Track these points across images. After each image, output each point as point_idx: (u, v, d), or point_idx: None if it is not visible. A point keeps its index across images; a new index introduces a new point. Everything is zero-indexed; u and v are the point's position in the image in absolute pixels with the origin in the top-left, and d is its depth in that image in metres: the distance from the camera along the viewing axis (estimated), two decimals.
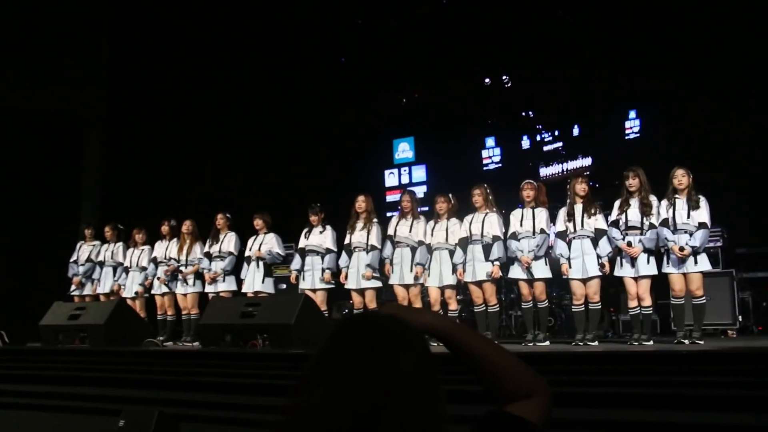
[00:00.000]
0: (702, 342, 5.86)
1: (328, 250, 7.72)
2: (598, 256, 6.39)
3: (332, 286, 7.78)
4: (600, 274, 6.40)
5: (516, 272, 6.81)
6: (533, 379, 1.33)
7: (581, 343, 6.33)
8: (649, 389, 3.74)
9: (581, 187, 6.59)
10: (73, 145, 11.45)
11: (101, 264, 9.20)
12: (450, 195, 7.35)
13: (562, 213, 6.68)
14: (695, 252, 5.96)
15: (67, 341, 7.48)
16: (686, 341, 5.88)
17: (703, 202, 6.08)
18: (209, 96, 12.04)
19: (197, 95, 11.96)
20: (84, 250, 9.38)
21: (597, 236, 6.42)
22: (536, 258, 6.67)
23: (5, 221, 10.40)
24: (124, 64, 11.62)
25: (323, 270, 7.65)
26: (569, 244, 6.54)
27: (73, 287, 9.24)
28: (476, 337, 1.35)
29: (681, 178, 6.12)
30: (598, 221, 6.46)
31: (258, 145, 12.17)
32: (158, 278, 8.63)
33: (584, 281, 6.45)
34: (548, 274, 6.73)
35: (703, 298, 6.03)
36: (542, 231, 6.70)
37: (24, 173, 10.65)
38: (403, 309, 1.38)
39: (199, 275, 8.47)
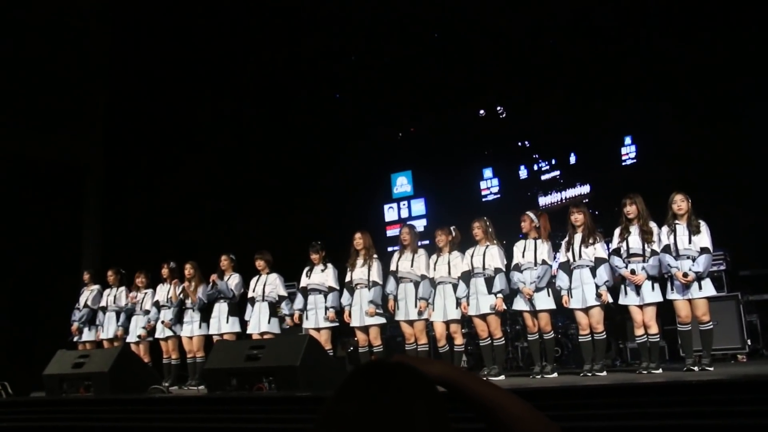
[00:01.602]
0: (712, 368, 5.82)
1: (331, 289, 7.70)
2: (596, 286, 6.38)
3: (336, 324, 7.74)
4: (599, 303, 6.37)
5: (520, 304, 6.79)
6: (544, 424, 1.32)
7: (589, 374, 6.29)
8: (660, 421, 3.71)
9: (575, 218, 6.60)
10: (73, 192, 11.48)
11: (104, 309, 9.17)
12: (452, 228, 7.36)
13: (564, 244, 6.69)
14: (699, 277, 5.94)
15: (72, 390, 7.40)
16: (696, 368, 5.84)
17: (703, 226, 6.08)
18: (207, 137, 12.12)
19: (195, 136, 12.04)
20: (84, 296, 9.35)
21: (596, 265, 6.41)
22: (538, 289, 6.65)
23: (7, 269, 10.38)
24: (122, 110, 11.69)
25: (326, 309, 7.62)
26: (570, 274, 6.53)
27: (73, 334, 9.19)
28: (487, 385, 1.35)
29: (680, 203, 6.13)
30: (597, 250, 6.46)
31: (256, 184, 12.20)
32: (162, 322, 8.59)
33: (586, 311, 6.43)
34: (552, 305, 6.70)
35: (710, 323, 6.00)
36: (543, 262, 6.69)
37: (25, 220, 10.66)
38: (412, 359, 1.38)
39: (205, 318, 8.43)
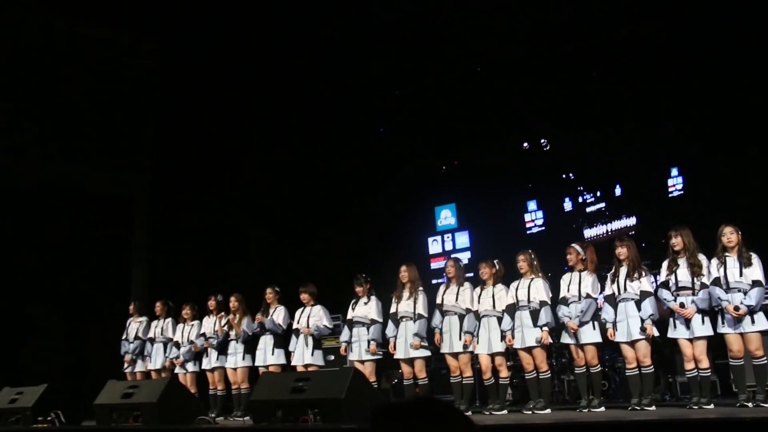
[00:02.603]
0: (767, 405, 5.66)
1: (373, 321, 7.72)
2: (641, 319, 6.28)
3: (379, 357, 7.75)
4: (644, 336, 6.27)
5: (566, 337, 6.72)
6: None
7: (638, 408, 6.17)
8: None
9: (619, 251, 6.53)
10: (122, 224, 11.77)
11: (152, 340, 9.32)
12: (495, 261, 7.36)
13: (609, 276, 6.62)
14: (751, 311, 5.82)
15: (121, 420, 7.50)
16: (750, 404, 5.69)
17: (755, 259, 5.97)
18: (252, 171, 12.34)
19: (240, 168, 12.27)
20: (132, 327, 9.52)
21: (641, 299, 6.32)
22: (582, 323, 6.58)
23: (59, 301, 10.65)
24: (170, 143, 11.99)
25: (369, 342, 7.65)
26: (615, 306, 6.45)
27: (126, 365, 9.36)
28: None
29: (730, 235, 6.03)
30: (642, 284, 6.37)
31: (302, 216, 12.35)
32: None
33: (631, 344, 6.33)
34: (598, 339, 6.61)
35: (764, 358, 5.85)
36: (588, 296, 6.62)
37: (76, 252, 10.94)
38: None
39: (249, 349, 8.52)
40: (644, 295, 6.31)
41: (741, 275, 5.94)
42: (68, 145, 11.29)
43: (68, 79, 11.28)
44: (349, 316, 7.89)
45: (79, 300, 10.68)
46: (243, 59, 11.69)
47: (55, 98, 11.16)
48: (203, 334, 8.87)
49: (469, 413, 7.07)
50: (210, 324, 8.87)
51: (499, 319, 7.02)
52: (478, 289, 7.30)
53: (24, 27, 10.88)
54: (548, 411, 6.72)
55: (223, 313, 8.77)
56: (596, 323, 6.63)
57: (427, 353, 7.44)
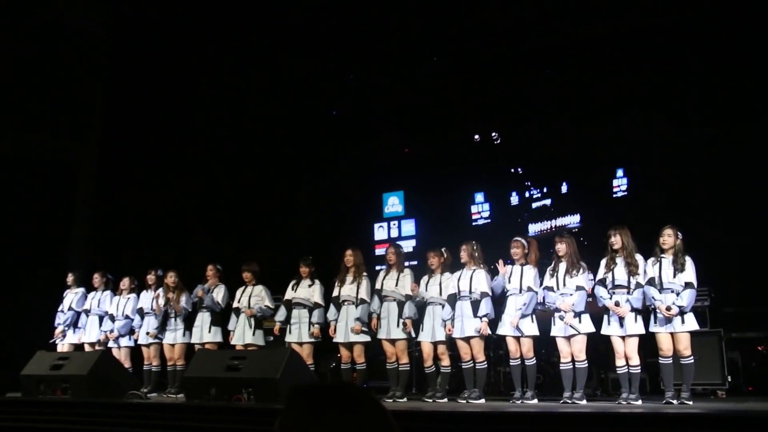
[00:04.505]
0: (691, 402, 5.83)
1: (317, 305, 7.69)
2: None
3: (319, 340, 7.73)
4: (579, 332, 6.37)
5: (504, 329, 6.79)
6: None
7: (569, 401, 6.29)
8: None
9: (558, 247, 6.64)
10: (63, 193, 11.44)
11: (87, 312, 9.10)
12: (443, 249, 7.39)
13: (549, 271, 6.71)
14: (682, 311, 5.98)
15: (49, 392, 7.34)
16: (675, 401, 5.85)
17: (689, 263, 6.12)
18: (202, 145, 12.14)
19: (190, 143, 12.05)
20: (68, 298, 9.28)
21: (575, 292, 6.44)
22: (523, 316, 6.67)
23: None
24: (118, 110, 11.71)
25: (311, 324, 7.61)
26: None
27: (56, 337, 9.11)
28: None
29: (667, 237, 6.18)
30: (578, 279, 6.48)
31: (248, 195, 12.21)
32: (147, 333, 8.53)
33: (568, 339, 6.45)
34: (536, 332, 6.71)
35: (691, 357, 6.03)
36: (530, 289, 6.71)
37: (12, 219, 10.61)
38: None
39: (188, 326, 8.40)
40: (577, 289, 6.42)
41: (675, 277, 6.09)
42: (11, 109, 10.91)
43: (15, 44, 10.88)
44: (288, 296, 7.84)
45: (12, 268, 10.35)
46: (196, 29, 11.45)
47: (2, 63, 10.77)
48: (140, 309, 8.70)
49: (405, 399, 7.11)
50: (147, 299, 8.70)
51: (444, 308, 7.05)
52: (425, 277, 7.33)
53: None
54: (482, 401, 6.80)
55: (161, 290, 8.59)
56: (534, 316, 6.72)
57: (367, 338, 7.43)
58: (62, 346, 9.04)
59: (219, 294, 8.31)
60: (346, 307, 7.45)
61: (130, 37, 11.59)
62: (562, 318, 6.42)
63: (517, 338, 6.71)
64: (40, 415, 6.38)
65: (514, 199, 11.87)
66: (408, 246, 12.06)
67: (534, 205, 11.62)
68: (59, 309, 9.28)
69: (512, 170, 11.91)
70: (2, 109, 10.84)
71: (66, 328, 9.10)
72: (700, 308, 7.48)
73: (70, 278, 9.44)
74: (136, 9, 11.29)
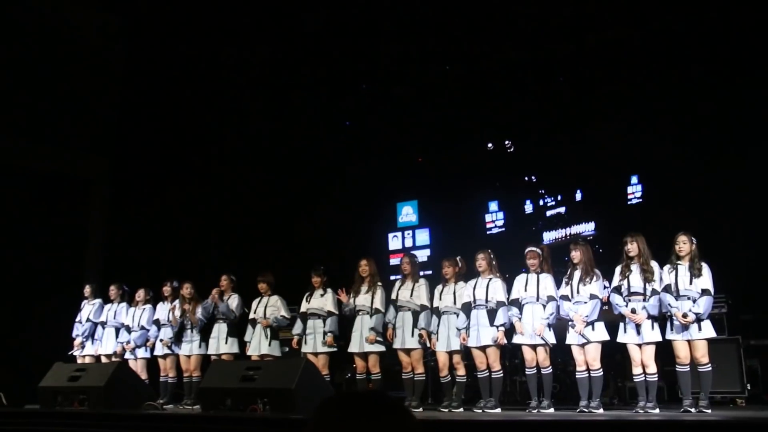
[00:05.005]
0: (709, 411, 5.78)
1: (330, 313, 7.70)
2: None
3: (334, 349, 7.73)
4: (595, 340, 6.33)
5: (519, 338, 6.76)
6: None
7: (586, 410, 6.24)
8: None
9: (573, 255, 6.61)
10: (78, 206, 11.55)
11: (103, 324, 9.16)
12: (458, 258, 7.37)
13: (564, 279, 6.68)
14: (699, 319, 5.92)
15: (66, 403, 7.39)
16: (693, 410, 5.79)
17: (705, 269, 6.07)
18: (215, 159, 12.21)
19: (203, 156, 12.13)
20: (86, 310, 9.34)
21: (589, 301, 6.40)
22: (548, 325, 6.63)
23: (8, 280, 10.40)
24: (132, 127, 11.81)
25: (325, 333, 7.62)
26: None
27: (74, 348, 9.17)
28: None
29: (682, 244, 6.13)
30: (592, 287, 6.44)
31: (262, 207, 12.25)
32: (161, 340, 8.57)
33: (582, 347, 6.41)
34: (552, 340, 6.67)
35: (709, 365, 5.97)
36: (552, 298, 6.66)
37: (29, 232, 10.71)
38: None
39: (204, 338, 8.43)
40: (591, 298, 6.39)
41: (691, 284, 6.04)
42: (27, 123, 11.04)
43: (31, 58, 11.02)
44: (303, 309, 7.85)
45: (29, 281, 10.45)
46: (210, 44, 11.54)
47: (10, 73, 10.90)
48: (156, 321, 8.74)
49: (420, 410, 7.09)
50: (164, 311, 8.73)
51: (459, 317, 7.02)
52: (439, 286, 7.31)
53: None
54: (498, 410, 6.76)
55: (177, 302, 8.62)
56: (551, 325, 6.68)
57: (382, 348, 7.42)
58: (81, 358, 9.10)
59: (233, 302, 8.34)
60: (361, 317, 7.45)
61: (145, 52, 11.70)
62: (573, 327, 6.39)
63: (534, 347, 6.67)
64: (58, 426, 6.41)
65: (528, 208, 11.84)
66: (422, 255, 12.05)
67: (548, 213, 11.58)
68: (77, 320, 9.34)
69: (526, 178, 11.89)
70: (18, 125, 10.96)
71: (84, 340, 9.15)
72: (717, 315, 7.41)
73: (87, 290, 9.51)
74: (150, 23, 11.39)
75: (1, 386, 7.51)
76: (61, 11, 11.39)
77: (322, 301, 7.77)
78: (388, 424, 1.24)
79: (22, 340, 9.72)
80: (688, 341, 5.97)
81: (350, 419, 1.23)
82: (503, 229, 12.07)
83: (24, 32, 10.98)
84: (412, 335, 7.16)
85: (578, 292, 6.47)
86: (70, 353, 9.16)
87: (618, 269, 6.40)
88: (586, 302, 6.39)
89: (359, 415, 1.24)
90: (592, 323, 6.34)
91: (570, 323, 6.43)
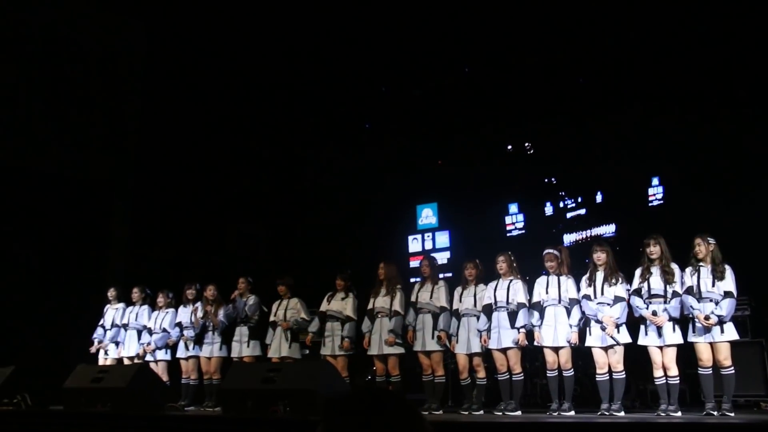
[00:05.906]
0: (732, 414, 5.71)
1: (349, 318, 7.72)
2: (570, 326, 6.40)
3: (351, 353, 7.75)
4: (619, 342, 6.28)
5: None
6: None
7: (607, 413, 6.20)
8: None
9: (597, 256, 6.56)
10: (101, 209, 11.68)
11: (125, 326, 9.24)
12: (477, 261, 7.36)
13: (584, 279, 6.63)
14: (721, 321, 5.87)
15: (90, 404, 7.46)
16: (716, 413, 5.74)
17: (728, 272, 6.02)
18: (235, 162, 12.29)
19: (223, 161, 12.21)
20: (110, 313, 9.43)
21: (614, 304, 6.36)
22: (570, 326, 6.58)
23: (32, 282, 10.55)
24: (153, 130, 11.92)
25: (342, 338, 7.64)
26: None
27: (95, 349, 9.25)
28: None
29: (698, 246, 6.09)
30: (617, 289, 6.40)
31: (284, 211, 12.32)
32: (182, 336, 8.65)
33: (605, 350, 6.37)
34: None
35: (732, 368, 5.91)
36: (574, 301, 6.61)
37: (52, 235, 10.85)
38: None
39: (225, 340, 8.49)
40: (618, 300, 6.34)
41: (713, 285, 5.99)
42: (48, 126, 11.19)
43: (51, 63, 11.17)
44: (323, 308, 7.88)
45: (52, 283, 10.58)
46: (230, 48, 11.63)
47: (41, 81, 11.06)
48: (179, 323, 8.81)
49: (440, 412, 7.08)
50: (186, 313, 8.80)
51: (479, 319, 7.01)
52: (459, 289, 7.30)
53: (2, 6, 10.77)
54: (519, 413, 6.74)
55: (199, 304, 8.69)
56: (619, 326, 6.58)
57: (401, 350, 7.43)
58: (105, 360, 9.19)
59: (249, 301, 8.39)
60: (380, 319, 7.46)
61: (165, 55, 11.82)
62: (603, 329, 6.33)
63: (556, 349, 6.64)
64: (82, 427, 6.48)
65: (549, 210, 11.79)
66: (442, 258, 12.03)
67: (569, 215, 11.52)
68: (100, 323, 9.43)
69: (546, 180, 11.84)
70: (41, 128, 11.11)
71: (108, 342, 9.22)
72: (740, 318, 7.33)
73: (111, 293, 9.59)
74: (171, 27, 11.51)
75: (26, 387, 7.58)
76: (84, 16, 11.55)
77: (342, 304, 7.80)
78: (393, 419, 1.25)
79: (46, 342, 9.83)
80: (711, 344, 5.92)
81: (355, 416, 1.25)
82: (523, 231, 12.02)
83: (47, 37, 11.14)
84: (432, 337, 7.17)
85: (602, 293, 6.42)
86: (91, 351, 9.24)
87: (638, 271, 6.35)
88: (609, 304, 6.35)
89: (363, 411, 1.26)
90: (618, 325, 6.29)
91: (600, 325, 6.36)
